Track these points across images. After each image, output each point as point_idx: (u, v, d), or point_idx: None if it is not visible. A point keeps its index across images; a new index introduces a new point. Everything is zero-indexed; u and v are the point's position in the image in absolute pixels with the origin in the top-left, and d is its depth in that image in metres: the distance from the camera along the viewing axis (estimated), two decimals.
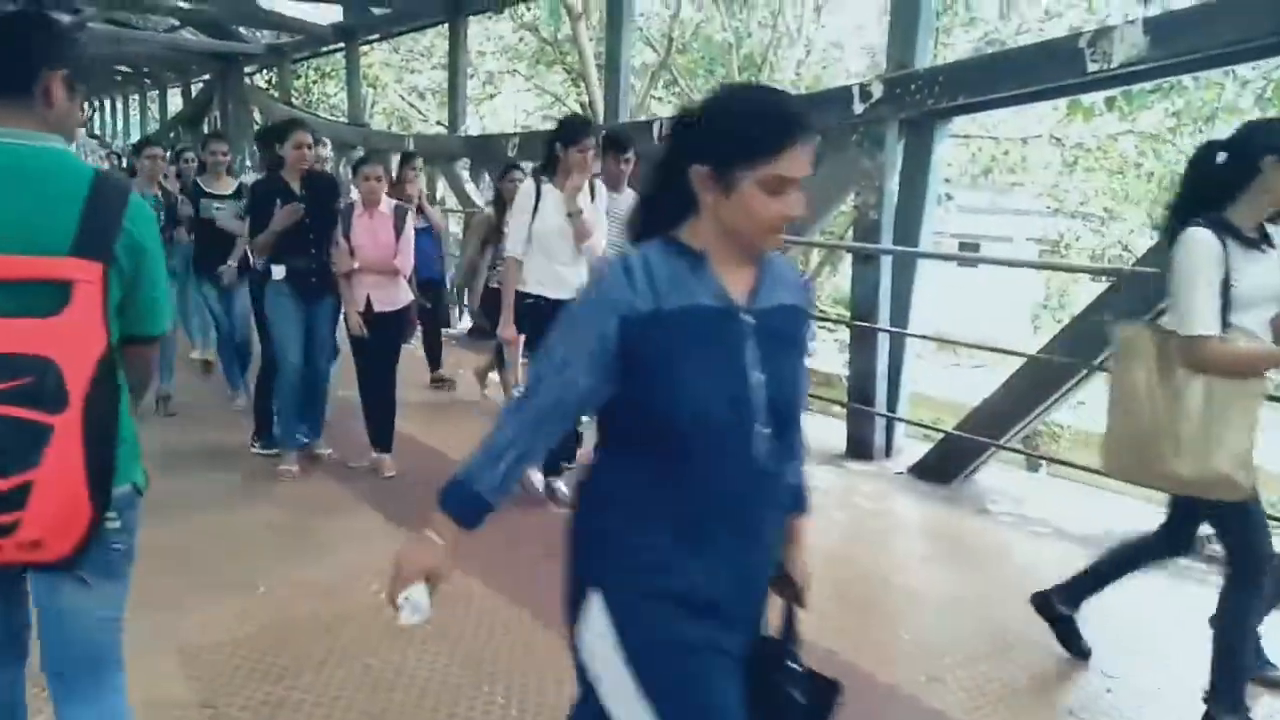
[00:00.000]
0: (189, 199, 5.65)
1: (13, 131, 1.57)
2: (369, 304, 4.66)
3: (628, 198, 4.84)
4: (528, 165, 6.25)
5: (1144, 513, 4.93)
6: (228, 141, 6.09)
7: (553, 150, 4.19)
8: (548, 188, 4.17)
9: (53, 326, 1.50)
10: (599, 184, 4.41)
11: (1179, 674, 3.10)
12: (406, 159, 6.60)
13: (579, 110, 17.52)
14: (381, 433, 4.86)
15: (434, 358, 6.94)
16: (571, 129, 4.20)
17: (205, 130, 17.16)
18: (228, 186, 5.66)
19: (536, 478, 4.53)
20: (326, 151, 6.41)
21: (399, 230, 4.68)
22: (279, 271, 4.62)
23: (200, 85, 18.35)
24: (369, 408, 4.86)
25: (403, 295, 4.80)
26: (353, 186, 5.53)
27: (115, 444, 1.59)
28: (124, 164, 11.20)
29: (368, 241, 4.63)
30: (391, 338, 4.81)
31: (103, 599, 1.73)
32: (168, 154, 6.64)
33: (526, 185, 4.31)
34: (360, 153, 6.49)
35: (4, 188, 1.53)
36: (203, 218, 5.58)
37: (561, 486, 4.47)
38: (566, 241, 4.18)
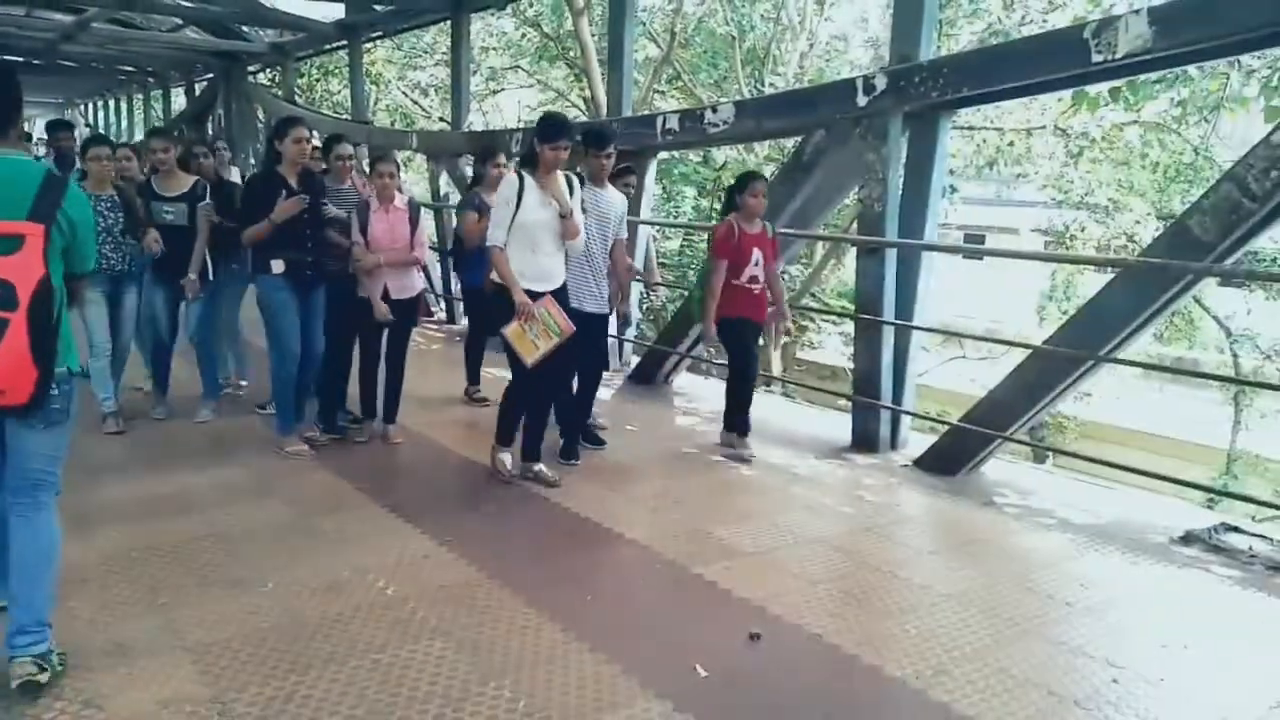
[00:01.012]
0: (142, 202, 5.27)
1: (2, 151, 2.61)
2: (385, 291, 4.96)
3: (611, 194, 4.91)
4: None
5: (1151, 504, 4.94)
6: (170, 138, 5.59)
7: (534, 146, 4.34)
8: (530, 182, 4.31)
9: (11, 261, 2.47)
10: (575, 180, 4.52)
11: (1184, 663, 3.11)
12: (488, 155, 5.90)
13: (582, 106, 17.52)
14: (389, 407, 5.23)
15: (474, 370, 6.37)
16: (547, 127, 4.33)
17: (210, 129, 17.17)
18: (181, 185, 5.33)
19: (506, 457, 4.70)
20: (360, 150, 5.84)
21: (414, 223, 4.99)
22: (278, 266, 4.72)
23: (204, 84, 18.36)
24: (370, 385, 5.21)
25: (416, 283, 5.15)
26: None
27: (51, 335, 2.51)
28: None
29: (384, 236, 4.92)
30: (404, 322, 5.15)
31: (47, 442, 2.68)
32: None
33: (510, 178, 4.41)
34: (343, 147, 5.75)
35: None
36: (155, 223, 5.21)
37: (543, 469, 4.65)
38: (551, 234, 4.34)
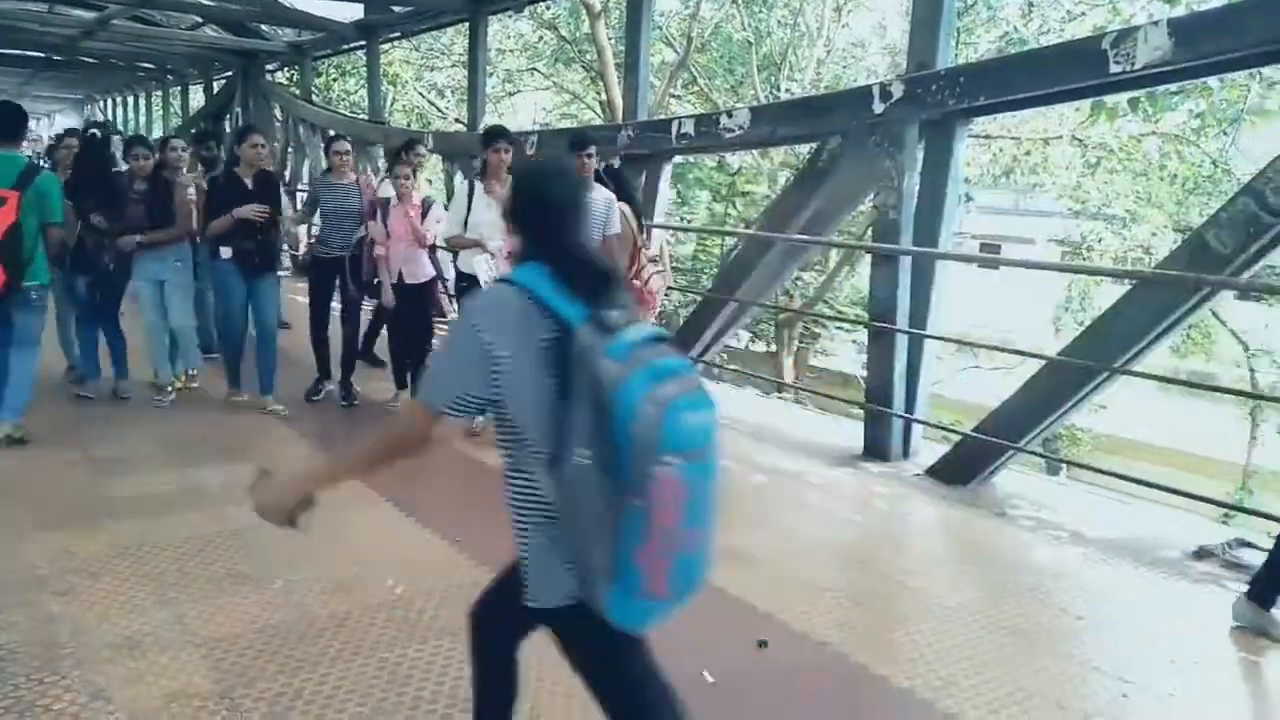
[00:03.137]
0: None
1: (6, 151, 4.48)
2: (400, 277, 5.56)
3: (596, 193, 5.22)
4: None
5: (1165, 518, 4.90)
6: (81, 135, 6.01)
7: (481, 154, 5.02)
8: (479, 187, 4.99)
9: None
10: None
11: (1195, 678, 3.08)
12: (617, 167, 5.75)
13: (598, 109, 17.57)
14: (418, 374, 5.67)
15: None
16: (487, 134, 5.20)
17: (227, 126, 17.26)
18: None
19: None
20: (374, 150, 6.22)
21: (423, 216, 5.58)
22: (225, 252, 5.41)
23: (222, 81, 18.48)
24: (399, 358, 5.78)
25: (427, 269, 5.69)
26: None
27: (17, 255, 4.36)
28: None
29: (400, 228, 5.51)
30: (422, 305, 5.71)
31: (30, 322, 4.61)
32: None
33: (462, 184, 5.29)
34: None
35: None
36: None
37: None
38: (498, 232, 4.71)
